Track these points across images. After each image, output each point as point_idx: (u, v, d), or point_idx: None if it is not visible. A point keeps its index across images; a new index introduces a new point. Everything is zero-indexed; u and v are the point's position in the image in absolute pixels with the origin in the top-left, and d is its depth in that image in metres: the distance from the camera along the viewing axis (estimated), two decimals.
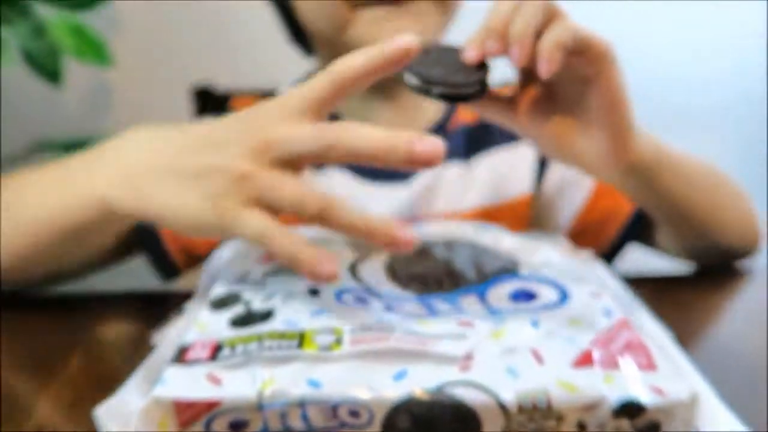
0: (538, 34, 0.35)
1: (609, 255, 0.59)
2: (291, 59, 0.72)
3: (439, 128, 0.60)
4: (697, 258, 0.54)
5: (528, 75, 0.40)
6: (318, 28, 0.54)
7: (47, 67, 0.90)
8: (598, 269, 0.41)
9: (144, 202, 0.35)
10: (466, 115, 0.61)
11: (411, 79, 0.37)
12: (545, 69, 0.34)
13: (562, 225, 0.60)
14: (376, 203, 0.57)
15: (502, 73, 0.44)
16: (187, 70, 1.15)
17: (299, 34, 0.65)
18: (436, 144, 0.30)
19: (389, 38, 0.49)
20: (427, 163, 0.30)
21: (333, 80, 0.32)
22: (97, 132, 1.14)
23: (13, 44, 0.87)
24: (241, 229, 0.31)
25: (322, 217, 0.30)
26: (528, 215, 0.60)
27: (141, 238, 0.53)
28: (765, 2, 1.24)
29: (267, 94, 0.65)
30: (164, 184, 0.34)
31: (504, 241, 0.43)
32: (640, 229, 0.56)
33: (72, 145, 1.06)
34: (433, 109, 0.61)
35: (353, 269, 0.38)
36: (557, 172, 0.60)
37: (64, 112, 1.15)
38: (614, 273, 0.42)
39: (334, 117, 0.60)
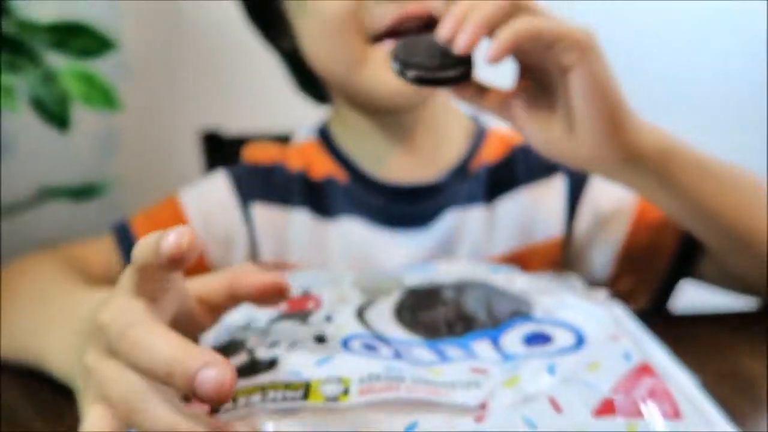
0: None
1: (662, 294, 0.55)
2: (303, 104, 0.72)
3: (460, 169, 0.57)
4: (753, 288, 0.50)
5: (521, 70, 0.42)
6: (331, 71, 0.53)
7: (56, 114, 0.91)
8: (615, 310, 0.40)
9: (68, 381, 0.35)
10: (489, 153, 0.58)
11: (392, 63, 0.39)
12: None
13: (601, 266, 0.56)
14: (394, 252, 0.55)
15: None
16: (196, 115, 1.16)
17: (310, 83, 0.64)
18: (223, 375, 0.23)
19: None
20: (211, 398, 0.23)
21: (138, 271, 0.27)
22: (105, 178, 1.14)
23: (21, 92, 0.88)
24: (85, 422, 0.28)
25: (131, 419, 0.26)
26: (559, 259, 0.56)
27: None
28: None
29: (281, 139, 0.64)
30: (75, 367, 0.33)
31: (516, 282, 0.42)
32: (690, 262, 0.53)
33: (79, 192, 1.06)
34: (453, 149, 0.58)
35: (360, 314, 0.37)
36: (590, 211, 0.56)
37: (72, 157, 1.16)
38: (632, 314, 0.40)
39: (346, 162, 0.58)
